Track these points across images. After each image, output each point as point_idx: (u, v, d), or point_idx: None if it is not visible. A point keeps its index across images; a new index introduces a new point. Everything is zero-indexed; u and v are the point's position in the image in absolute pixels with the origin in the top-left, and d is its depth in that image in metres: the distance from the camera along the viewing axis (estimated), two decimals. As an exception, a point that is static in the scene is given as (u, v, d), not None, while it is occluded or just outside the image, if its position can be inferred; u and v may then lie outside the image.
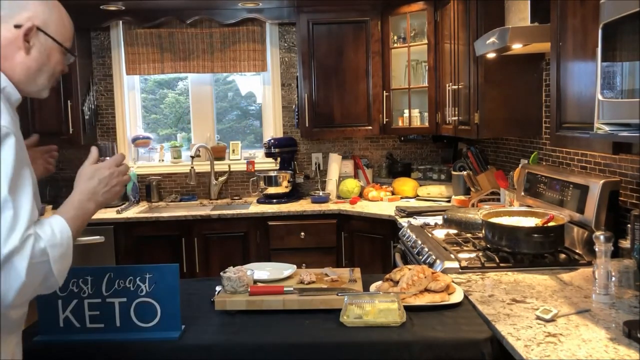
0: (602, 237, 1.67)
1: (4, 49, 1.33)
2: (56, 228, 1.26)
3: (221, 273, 1.77)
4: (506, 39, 2.37)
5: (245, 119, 4.70)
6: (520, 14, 2.57)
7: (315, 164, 4.43)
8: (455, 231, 2.59)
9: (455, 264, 2.09)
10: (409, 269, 1.80)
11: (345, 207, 3.85)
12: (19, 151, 1.24)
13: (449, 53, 3.43)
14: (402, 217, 3.31)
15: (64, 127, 4.00)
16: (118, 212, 3.86)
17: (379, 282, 1.87)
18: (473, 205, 3.30)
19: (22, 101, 1.43)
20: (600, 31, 1.53)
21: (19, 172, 1.22)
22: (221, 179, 4.38)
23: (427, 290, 1.73)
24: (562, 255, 2.13)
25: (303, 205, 3.93)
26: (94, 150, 1.49)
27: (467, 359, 1.45)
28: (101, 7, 3.89)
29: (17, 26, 1.33)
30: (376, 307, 1.61)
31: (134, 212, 3.90)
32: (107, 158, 1.48)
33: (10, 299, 1.18)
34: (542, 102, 2.91)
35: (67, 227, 1.28)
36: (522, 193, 2.75)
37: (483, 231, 2.21)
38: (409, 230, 2.79)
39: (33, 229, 1.21)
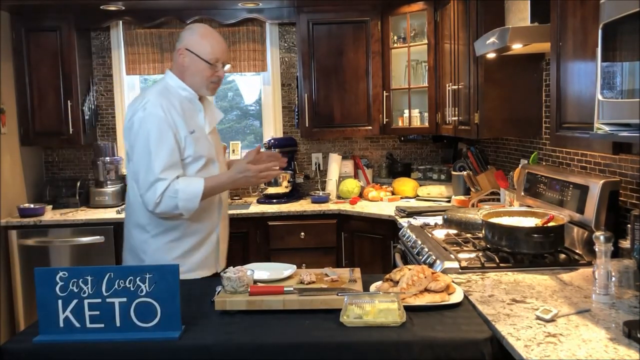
0: (602, 237, 1.67)
1: (181, 67, 2.26)
2: (192, 183, 2.14)
3: (221, 273, 1.77)
4: (506, 39, 2.37)
5: (245, 119, 4.71)
6: (520, 14, 2.57)
7: (315, 164, 4.44)
8: (455, 231, 2.59)
9: (455, 264, 2.09)
10: (409, 269, 1.80)
11: (345, 207, 3.85)
12: (160, 127, 2.12)
13: (449, 53, 3.43)
14: (402, 217, 3.31)
15: (64, 127, 4.00)
16: (118, 212, 3.86)
17: (379, 282, 1.87)
18: (473, 206, 3.30)
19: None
20: (600, 31, 1.53)
21: (160, 142, 2.12)
22: (221, 179, 4.38)
23: (427, 290, 1.73)
24: (562, 255, 2.13)
25: (303, 205, 3.93)
26: (252, 152, 2.35)
27: (467, 359, 1.45)
28: (101, 7, 3.89)
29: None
30: (376, 307, 1.61)
31: (134, 212, 3.90)
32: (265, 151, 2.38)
33: (151, 207, 2.13)
34: (542, 102, 2.91)
35: (201, 187, 2.14)
36: (522, 193, 2.75)
37: (483, 231, 2.21)
38: (409, 231, 2.79)
39: (173, 177, 2.12)
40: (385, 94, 4.03)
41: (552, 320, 1.53)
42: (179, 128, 2.18)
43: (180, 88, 2.26)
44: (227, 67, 2.32)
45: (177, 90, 2.26)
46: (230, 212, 3.79)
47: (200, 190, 2.13)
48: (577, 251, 2.19)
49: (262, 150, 2.37)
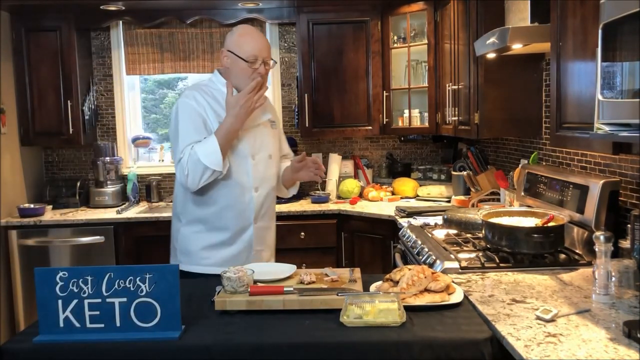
0: (602, 237, 1.67)
1: (225, 68, 2.31)
2: (206, 140, 2.18)
3: (221, 273, 1.77)
4: (506, 39, 2.37)
5: (245, 119, 4.70)
6: (520, 14, 2.57)
7: (315, 164, 4.43)
8: (455, 231, 2.59)
9: (455, 264, 2.08)
10: (409, 269, 1.79)
11: (345, 207, 3.85)
12: (190, 113, 2.23)
13: (449, 53, 3.43)
14: (402, 217, 3.31)
15: (64, 127, 4.00)
16: (118, 212, 3.86)
17: (379, 282, 1.87)
18: (473, 206, 3.30)
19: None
20: (600, 31, 1.53)
21: (186, 127, 2.22)
22: (221, 179, 4.37)
23: (427, 290, 1.73)
24: (562, 255, 2.13)
25: (303, 205, 3.93)
26: (228, 86, 2.23)
27: (467, 359, 1.45)
28: (101, 7, 3.89)
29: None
30: (376, 307, 1.61)
31: (134, 212, 3.90)
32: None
33: (184, 182, 2.19)
34: (542, 102, 2.91)
35: (214, 137, 2.16)
36: (522, 193, 2.75)
37: (483, 231, 2.21)
38: (409, 231, 2.79)
39: (192, 145, 2.17)
40: (385, 94, 4.03)
41: (552, 320, 1.53)
42: (210, 117, 2.24)
43: (222, 84, 2.31)
44: (272, 63, 2.32)
45: (218, 86, 2.32)
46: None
47: (214, 140, 2.15)
48: (577, 251, 2.19)
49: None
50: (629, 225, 1.92)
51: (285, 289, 1.73)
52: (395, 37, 4.02)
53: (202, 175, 2.17)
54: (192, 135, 2.21)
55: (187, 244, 2.34)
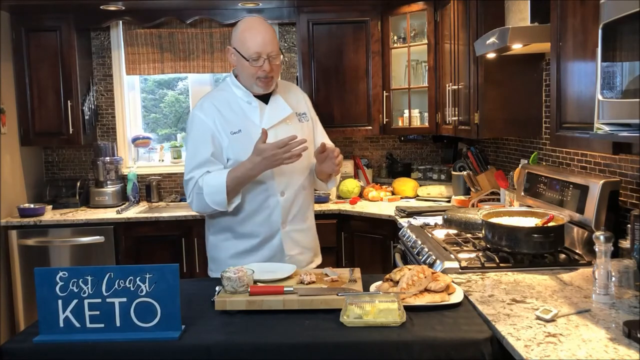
0: (602, 237, 1.67)
1: (233, 66, 2.23)
2: (216, 175, 2.10)
3: (221, 273, 1.77)
4: (506, 39, 2.37)
5: (245, 119, 4.70)
6: (520, 14, 2.57)
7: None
8: (455, 231, 2.59)
9: (455, 264, 2.08)
10: (409, 269, 1.79)
11: (345, 207, 3.85)
12: (198, 128, 2.17)
13: (449, 53, 3.43)
14: (402, 217, 3.31)
15: (64, 127, 4.00)
16: (118, 212, 3.86)
17: (379, 282, 1.87)
18: (473, 205, 3.30)
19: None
20: (600, 31, 1.53)
21: (195, 143, 2.17)
22: (221, 179, 4.37)
23: (427, 290, 1.73)
24: (562, 255, 2.13)
25: (303, 205, 3.92)
26: (263, 133, 2.06)
27: (467, 359, 1.45)
28: (101, 7, 3.89)
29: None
30: (376, 307, 1.61)
31: (134, 212, 3.90)
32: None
33: (190, 207, 2.19)
34: (542, 102, 2.91)
35: (224, 177, 2.07)
36: (522, 193, 2.75)
37: (483, 231, 2.21)
38: (409, 231, 2.79)
39: (201, 174, 2.12)
40: (385, 94, 4.02)
41: (552, 320, 1.53)
42: (220, 129, 2.15)
43: (236, 86, 2.22)
44: (281, 58, 2.17)
45: (232, 89, 2.23)
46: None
47: (223, 180, 2.06)
48: (577, 251, 2.19)
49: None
50: (629, 225, 1.92)
51: (285, 289, 1.73)
52: (395, 37, 4.02)
53: (204, 209, 2.16)
54: (200, 154, 2.13)
55: (216, 252, 2.30)
